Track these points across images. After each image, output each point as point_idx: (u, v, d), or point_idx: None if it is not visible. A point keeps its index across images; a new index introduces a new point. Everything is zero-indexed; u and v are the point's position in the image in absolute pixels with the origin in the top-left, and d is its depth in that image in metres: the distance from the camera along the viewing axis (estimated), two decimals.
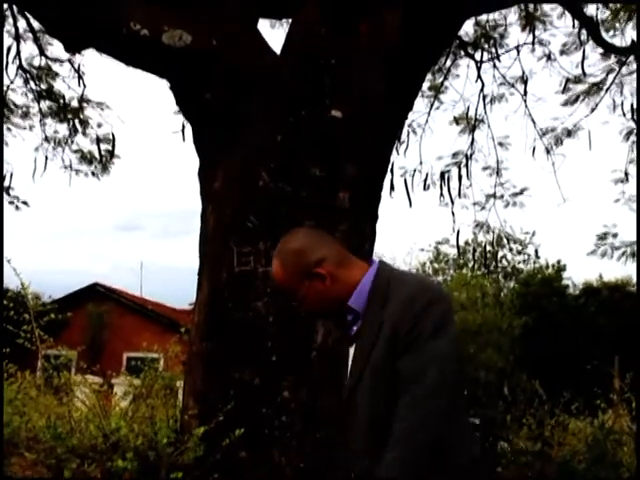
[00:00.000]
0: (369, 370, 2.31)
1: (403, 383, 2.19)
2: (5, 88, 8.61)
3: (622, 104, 8.63)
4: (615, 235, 13.45)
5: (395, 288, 2.29)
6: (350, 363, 2.39)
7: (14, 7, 7.60)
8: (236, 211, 3.98)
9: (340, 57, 4.15)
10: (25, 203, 11.02)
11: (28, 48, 8.84)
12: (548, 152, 9.24)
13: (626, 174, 9.67)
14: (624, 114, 8.67)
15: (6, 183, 9.57)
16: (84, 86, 9.19)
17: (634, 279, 20.85)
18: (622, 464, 5.04)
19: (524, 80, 8.86)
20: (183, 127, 7.54)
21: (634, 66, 8.27)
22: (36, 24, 7.69)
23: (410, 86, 4.61)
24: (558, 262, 24.58)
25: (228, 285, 3.88)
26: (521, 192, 10.50)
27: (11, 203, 10.66)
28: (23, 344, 4.03)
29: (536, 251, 27.12)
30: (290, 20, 4.61)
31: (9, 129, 9.64)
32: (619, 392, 6.55)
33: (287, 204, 3.92)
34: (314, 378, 3.71)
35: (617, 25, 8.08)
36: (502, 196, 10.29)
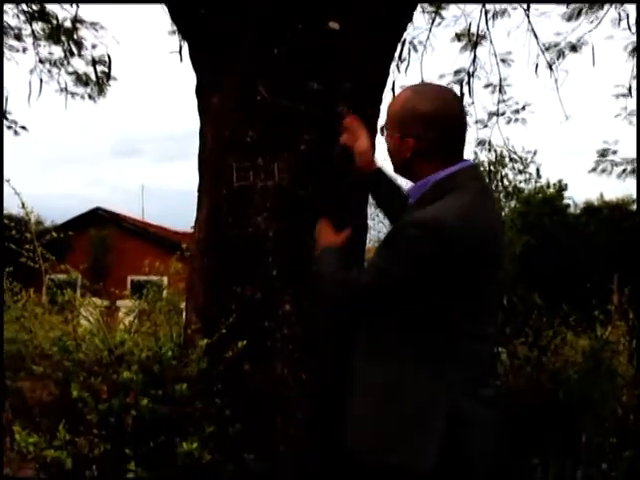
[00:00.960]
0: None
1: None
2: None
3: (628, 17, 8.45)
4: (615, 152, 13.38)
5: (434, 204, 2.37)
6: None
7: None
8: (234, 126, 3.95)
9: None
10: (24, 128, 10.93)
11: None
12: (551, 68, 9.10)
13: (629, 89, 9.57)
14: (629, 27, 8.49)
15: None
16: (77, 6, 8.98)
17: (634, 197, 20.89)
18: (617, 373, 5.14)
19: None
20: (180, 48, 7.41)
21: None
22: None
23: None
24: (559, 181, 24.57)
25: (227, 201, 3.88)
26: (523, 108, 10.43)
27: (9, 128, 10.57)
28: (26, 263, 4.04)
29: (537, 170, 27.06)
30: None
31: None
32: (618, 305, 6.63)
33: (285, 118, 3.89)
34: (315, 291, 3.74)
35: None
36: (504, 113, 10.22)
